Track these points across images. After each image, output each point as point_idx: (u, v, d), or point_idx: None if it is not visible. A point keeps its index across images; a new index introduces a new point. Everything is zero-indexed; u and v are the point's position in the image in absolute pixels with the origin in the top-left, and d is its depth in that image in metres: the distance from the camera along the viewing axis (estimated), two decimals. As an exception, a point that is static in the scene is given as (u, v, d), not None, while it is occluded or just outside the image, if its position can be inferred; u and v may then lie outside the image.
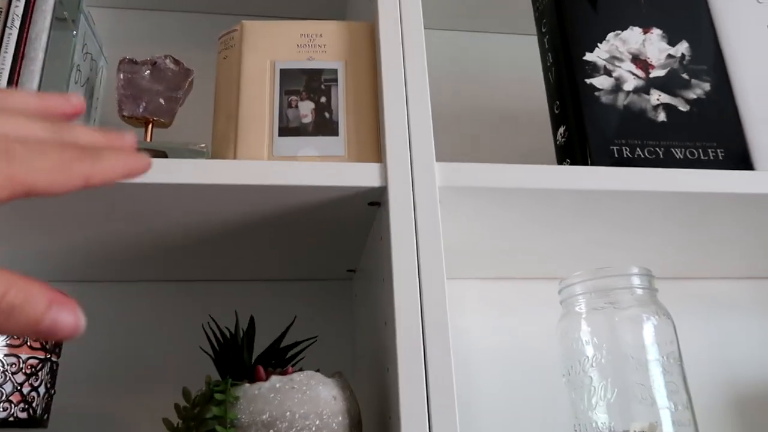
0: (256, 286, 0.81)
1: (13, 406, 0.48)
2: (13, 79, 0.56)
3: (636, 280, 0.65)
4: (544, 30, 0.70)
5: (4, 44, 0.57)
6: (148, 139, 0.62)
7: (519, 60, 0.94)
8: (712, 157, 0.63)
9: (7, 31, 0.57)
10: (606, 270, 0.66)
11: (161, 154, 0.58)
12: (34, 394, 0.50)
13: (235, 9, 0.93)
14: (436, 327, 0.50)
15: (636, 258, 0.76)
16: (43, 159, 0.26)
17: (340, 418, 0.48)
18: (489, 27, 0.99)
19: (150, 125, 0.62)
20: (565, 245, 0.72)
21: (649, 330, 0.64)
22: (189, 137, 0.78)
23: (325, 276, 0.82)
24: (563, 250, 0.74)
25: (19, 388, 0.48)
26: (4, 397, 0.47)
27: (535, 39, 0.73)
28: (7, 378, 0.48)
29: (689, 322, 0.85)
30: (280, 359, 0.56)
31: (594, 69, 0.65)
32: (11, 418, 0.47)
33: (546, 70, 0.69)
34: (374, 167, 0.56)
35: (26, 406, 0.49)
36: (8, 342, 0.48)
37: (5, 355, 0.48)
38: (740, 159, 0.64)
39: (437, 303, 0.51)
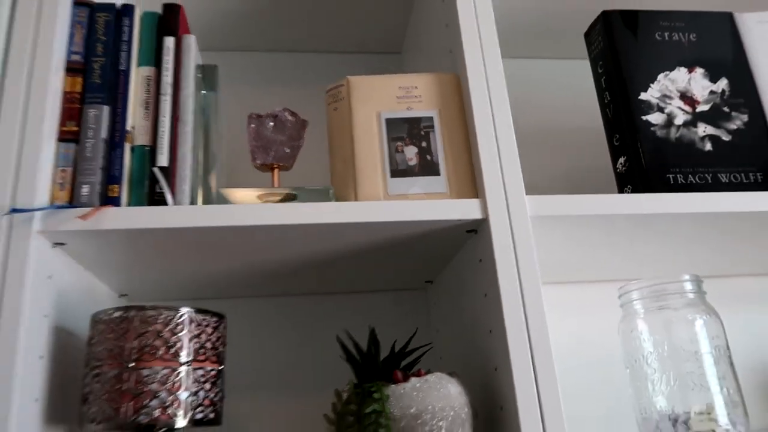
0: (343, 298, 0.93)
1: (206, 408, 0.60)
2: (174, 141, 0.68)
3: (687, 286, 0.77)
4: (600, 71, 0.81)
5: (161, 109, 0.68)
6: (276, 182, 0.74)
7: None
8: (752, 180, 0.74)
9: (162, 97, 0.69)
10: (661, 277, 0.78)
11: (292, 197, 0.70)
12: (216, 398, 0.61)
13: (304, 46, 1.05)
14: (539, 331, 0.62)
15: (685, 262, 0.87)
16: None
17: (466, 410, 0.60)
18: (540, 53, 1.10)
19: (276, 170, 0.73)
20: (627, 256, 0.84)
21: (700, 327, 0.75)
22: (302, 174, 0.90)
23: (404, 286, 0.94)
24: (622, 262, 0.85)
25: (208, 394, 0.60)
26: (200, 403, 0.59)
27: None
28: (201, 387, 0.59)
29: (729, 313, 0.98)
30: (397, 363, 0.67)
31: (648, 107, 0.76)
32: (206, 419, 0.59)
33: (603, 105, 0.80)
34: (474, 203, 0.67)
35: (213, 408, 0.61)
36: (196, 358, 0.60)
37: (195, 369, 0.60)
38: (775, 180, 0.75)
39: (537, 311, 0.62)
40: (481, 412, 0.69)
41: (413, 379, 0.60)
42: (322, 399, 0.87)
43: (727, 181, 0.74)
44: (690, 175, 0.73)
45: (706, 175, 0.73)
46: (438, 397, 0.58)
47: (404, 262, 0.81)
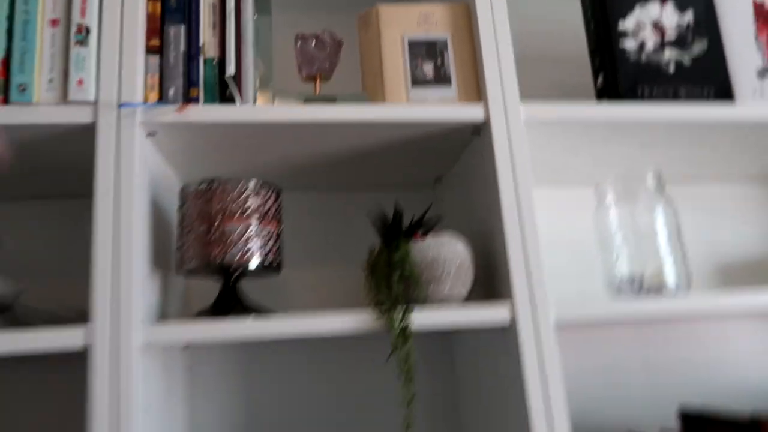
0: (366, 195, 1.12)
1: (272, 257, 0.78)
2: (239, 54, 0.84)
3: (649, 180, 0.94)
4: (587, 3, 0.96)
5: (227, 29, 0.84)
6: (318, 90, 0.91)
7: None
8: (707, 95, 0.91)
9: (227, 21, 0.85)
10: (628, 174, 0.96)
11: (332, 100, 0.87)
12: (278, 252, 0.80)
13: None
14: (528, 207, 0.80)
15: (652, 162, 1.06)
16: None
17: (469, 260, 0.79)
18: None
19: (318, 80, 0.90)
20: (602, 159, 1.01)
21: (658, 213, 0.93)
22: (339, 86, 1.07)
23: (417, 183, 1.12)
24: (602, 160, 1.03)
25: (273, 247, 0.79)
26: (267, 252, 0.78)
27: None
28: (267, 241, 0.78)
29: (687, 211, 1.17)
30: (415, 229, 0.85)
31: (625, 34, 0.92)
32: (272, 265, 0.78)
33: (589, 32, 0.96)
34: (479, 107, 0.84)
35: (278, 258, 0.79)
36: (263, 219, 0.78)
37: (263, 228, 0.78)
38: (727, 95, 0.92)
39: (527, 191, 0.80)
40: (480, 265, 0.88)
41: (429, 237, 0.78)
42: (351, 268, 1.07)
43: (685, 95, 0.90)
44: (655, 89, 0.90)
45: (669, 90, 0.90)
46: (449, 250, 0.77)
47: (420, 161, 0.99)
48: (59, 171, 0.92)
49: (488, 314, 0.76)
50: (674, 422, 1.09)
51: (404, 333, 0.71)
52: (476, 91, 0.87)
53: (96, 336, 0.69)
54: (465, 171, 0.96)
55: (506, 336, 0.79)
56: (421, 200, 1.13)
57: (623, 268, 0.91)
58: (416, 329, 0.74)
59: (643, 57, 0.91)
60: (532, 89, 1.17)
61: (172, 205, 0.93)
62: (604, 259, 0.95)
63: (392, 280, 0.74)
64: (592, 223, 1.09)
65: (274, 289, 1.05)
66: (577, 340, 1.10)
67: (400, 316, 0.71)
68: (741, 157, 1.07)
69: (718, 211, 1.21)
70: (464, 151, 0.95)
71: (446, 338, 1.07)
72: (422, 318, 0.73)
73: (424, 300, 0.76)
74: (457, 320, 0.75)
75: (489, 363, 0.87)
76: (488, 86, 0.85)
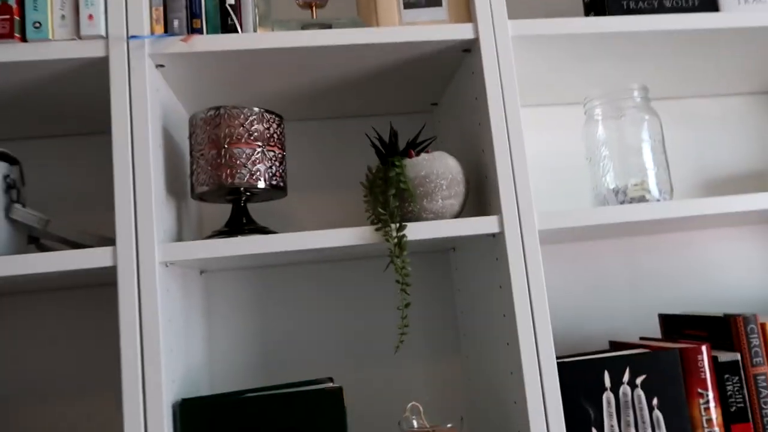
0: (364, 121, 1.17)
1: (278, 179, 0.85)
2: (237, -18, 0.88)
3: (635, 93, 0.98)
4: None
5: (225, -42, 0.88)
6: (315, 16, 0.94)
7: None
8: (691, 4, 0.93)
9: (224, -52, 0.88)
10: (615, 89, 0.99)
11: (327, 26, 0.90)
12: (283, 173, 0.87)
13: None
14: (515, 124, 0.85)
15: (640, 79, 1.09)
16: None
17: (461, 175, 0.85)
18: None
19: (314, 6, 0.94)
20: (589, 77, 1.05)
21: (643, 125, 0.98)
22: (333, 12, 1.10)
23: (414, 109, 1.16)
24: (589, 78, 1.07)
25: (278, 170, 0.86)
26: (273, 174, 0.84)
27: None
28: (273, 164, 0.85)
29: (675, 128, 1.21)
30: (410, 148, 0.91)
31: (612, -55, 0.93)
32: (278, 186, 0.85)
33: (578, -54, 0.97)
34: (468, 26, 0.88)
35: (282, 180, 0.86)
36: (268, 143, 0.84)
37: (268, 151, 0.84)
38: (711, 4, 0.94)
39: (514, 107, 0.85)
40: (472, 181, 0.95)
41: (423, 154, 0.84)
42: (351, 193, 1.14)
43: (670, 5, 0.93)
44: (641, 2, 0.92)
45: (654, 2, 0.93)
46: (440, 165, 0.83)
47: (415, 84, 1.03)
48: (76, 109, 0.98)
49: (478, 226, 0.83)
50: (655, 332, 1.18)
51: (400, 243, 0.79)
52: (466, 11, 0.90)
53: (121, 255, 0.78)
54: (458, 92, 1.00)
55: (495, 245, 0.87)
56: (418, 125, 1.18)
57: (609, 181, 0.97)
58: (413, 243, 0.81)
59: (631, -32, 0.93)
60: (520, 12, 1.20)
61: (182, 136, 1.00)
62: (591, 173, 1.01)
63: (388, 195, 0.81)
64: (581, 139, 1.14)
65: (279, 214, 1.13)
66: (563, 256, 1.18)
67: (396, 227, 0.78)
68: (727, 68, 1.10)
69: (705, 127, 1.25)
70: (456, 73, 0.99)
71: (444, 256, 1.15)
72: (417, 230, 0.81)
73: (419, 213, 0.83)
74: (450, 232, 0.82)
75: (480, 272, 0.95)
76: (477, 5, 0.88)
